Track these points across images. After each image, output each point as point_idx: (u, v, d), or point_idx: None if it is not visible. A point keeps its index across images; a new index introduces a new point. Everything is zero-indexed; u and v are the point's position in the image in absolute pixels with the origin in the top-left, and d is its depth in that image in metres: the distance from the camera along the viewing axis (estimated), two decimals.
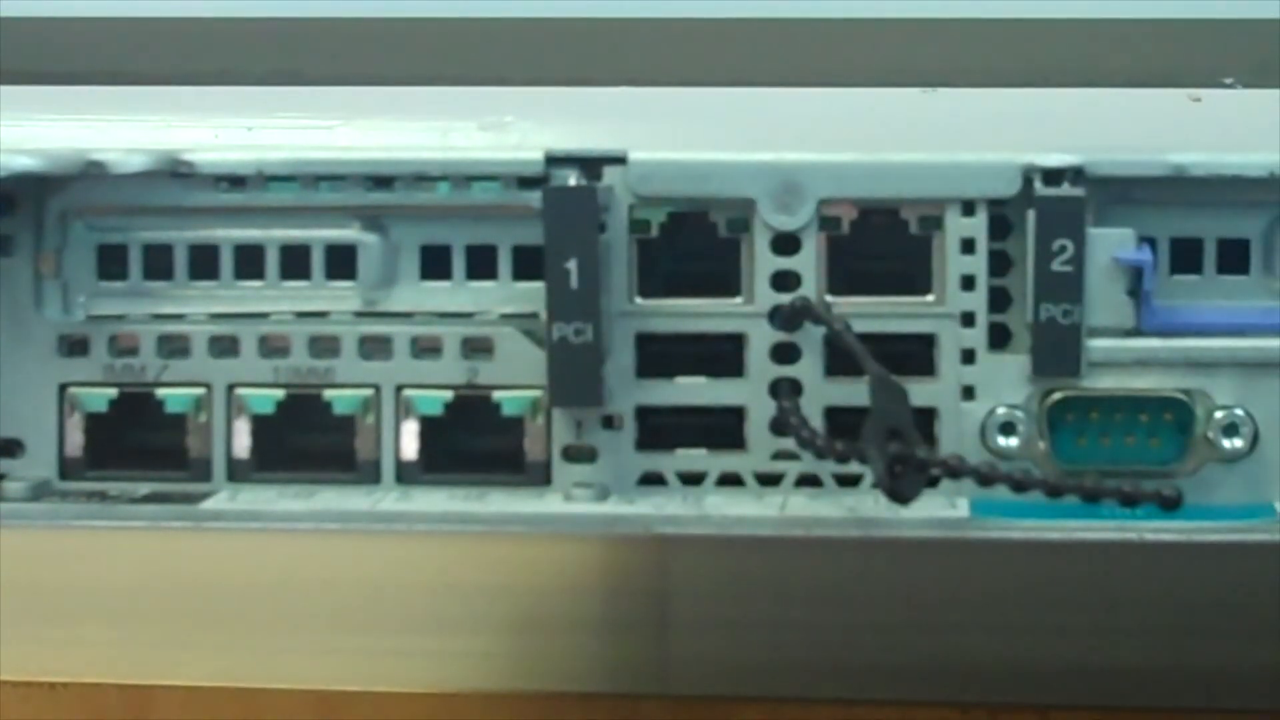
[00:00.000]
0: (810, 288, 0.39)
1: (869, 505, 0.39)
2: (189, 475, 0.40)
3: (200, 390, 0.40)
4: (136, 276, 0.40)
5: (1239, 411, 0.39)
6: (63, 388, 0.40)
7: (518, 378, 0.40)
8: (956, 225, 0.39)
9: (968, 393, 0.39)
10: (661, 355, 0.40)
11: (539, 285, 0.39)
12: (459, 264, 0.40)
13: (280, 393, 0.40)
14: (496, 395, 0.40)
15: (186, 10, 0.50)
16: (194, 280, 0.40)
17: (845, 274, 0.39)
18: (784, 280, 0.39)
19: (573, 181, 0.39)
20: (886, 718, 0.42)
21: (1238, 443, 0.39)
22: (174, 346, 0.40)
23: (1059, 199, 0.38)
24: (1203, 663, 0.41)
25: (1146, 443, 0.39)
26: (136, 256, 0.40)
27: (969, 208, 0.39)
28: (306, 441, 0.40)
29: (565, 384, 0.39)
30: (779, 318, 0.39)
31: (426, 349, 0.40)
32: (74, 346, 0.40)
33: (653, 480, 0.40)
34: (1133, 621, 0.42)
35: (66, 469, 0.40)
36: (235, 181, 0.40)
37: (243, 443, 0.40)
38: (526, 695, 0.43)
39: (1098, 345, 0.39)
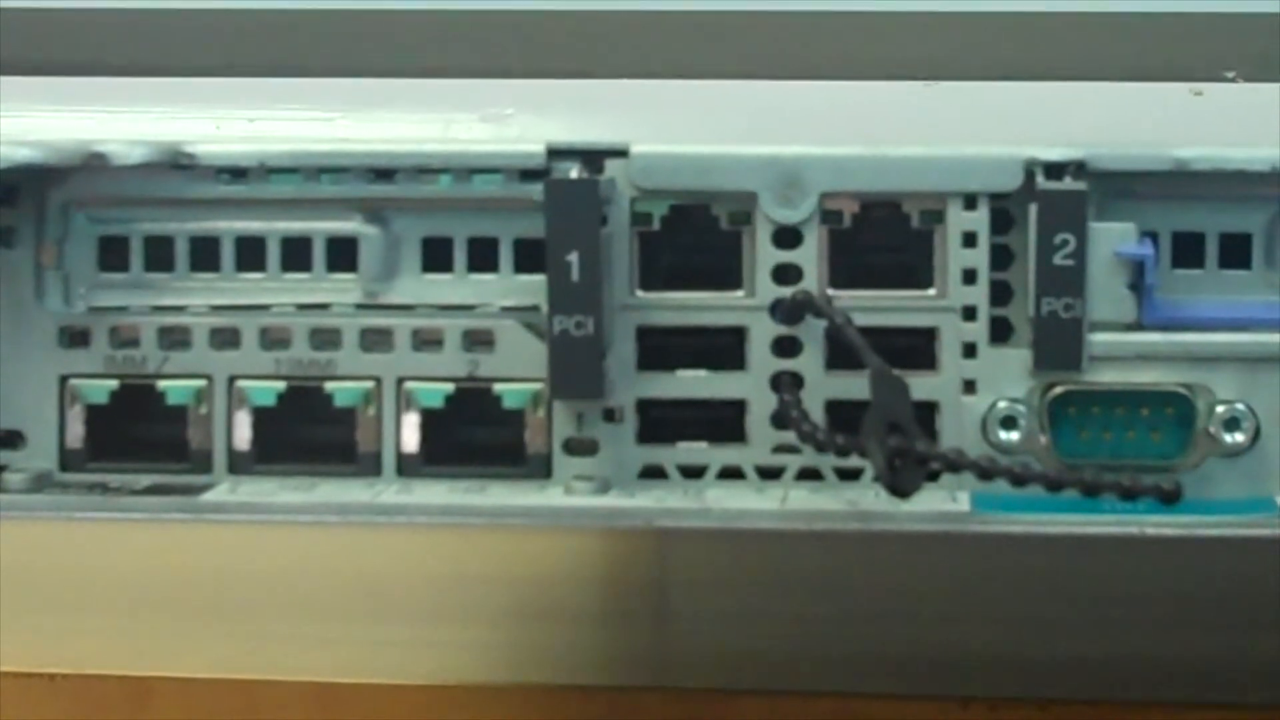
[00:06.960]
0: (811, 281, 0.39)
1: (869, 499, 0.39)
2: (190, 467, 0.40)
3: (201, 382, 0.40)
4: (138, 268, 0.40)
5: (1240, 406, 0.39)
6: (63, 379, 0.40)
7: (519, 370, 0.40)
8: (958, 219, 0.39)
9: (969, 386, 0.39)
10: (662, 348, 0.40)
11: (540, 278, 0.39)
12: (460, 256, 0.40)
13: (281, 385, 0.40)
14: (497, 388, 0.40)
15: (188, 2, 0.50)
16: (195, 272, 0.40)
17: (846, 267, 0.39)
18: (785, 273, 0.39)
19: (574, 174, 0.39)
20: (886, 711, 0.42)
21: (1239, 437, 0.39)
22: (175, 338, 0.40)
23: (1061, 193, 0.38)
24: (1203, 656, 0.41)
25: (1148, 437, 0.39)
26: (138, 248, 0.40)
27: (970, 201, 0.39)
28: (307, 433, 0.40)
29: (566, 377, 0.39)
30: (780, 311, 0.39)
31: (427, 341, 0.40)
32: (75, 338, 0.40)
33: (653, 473, 0.40)
34: (1133, 615, 0.42)
35: (67, 461, 0.40)
36: (236, 173, 0.39)
37: (243, 435, 0.40)
38: (526, 687, 0.43)
39: (1099, 339, 0.39)
